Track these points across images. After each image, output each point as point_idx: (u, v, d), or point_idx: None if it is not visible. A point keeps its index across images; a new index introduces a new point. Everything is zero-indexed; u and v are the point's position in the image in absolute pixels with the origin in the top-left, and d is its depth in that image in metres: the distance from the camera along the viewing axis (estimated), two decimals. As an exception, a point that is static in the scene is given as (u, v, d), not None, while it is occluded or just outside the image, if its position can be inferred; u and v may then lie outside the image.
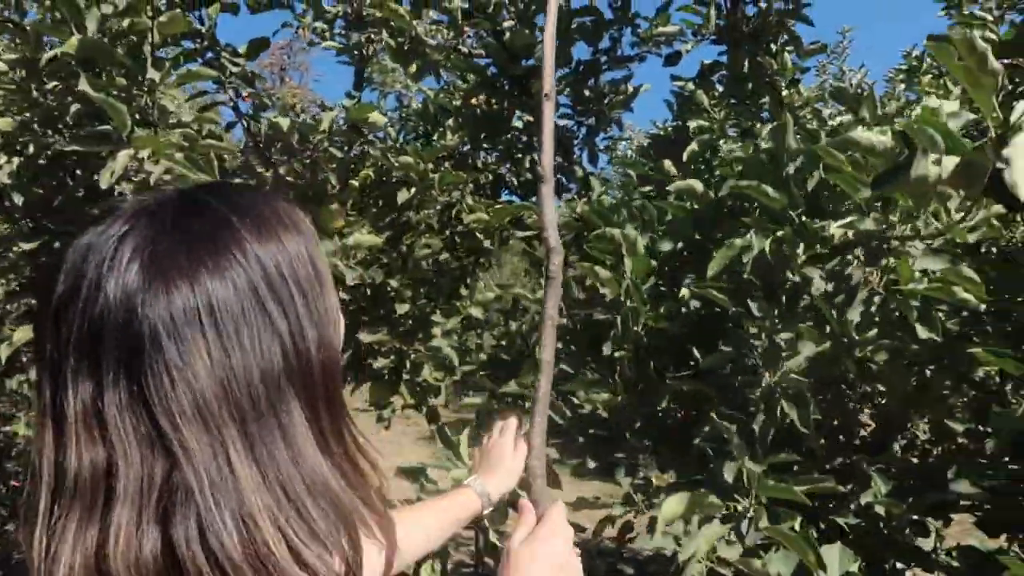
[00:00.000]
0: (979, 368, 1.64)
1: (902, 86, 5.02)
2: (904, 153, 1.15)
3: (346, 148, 2.42)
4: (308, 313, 0.58)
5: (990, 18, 2.62)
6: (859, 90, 5.36)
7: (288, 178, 2.45)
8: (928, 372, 1.70)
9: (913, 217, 1.23)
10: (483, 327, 3.02)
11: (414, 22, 2.79)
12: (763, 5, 2.96)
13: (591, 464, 1.79)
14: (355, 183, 2.74)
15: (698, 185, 1.74)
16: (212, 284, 0.53)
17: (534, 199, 3.42)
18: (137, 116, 1.78)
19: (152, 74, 1.82)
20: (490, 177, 3.43)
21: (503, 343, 3.12)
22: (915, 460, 1.85)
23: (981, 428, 1.61)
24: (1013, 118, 0.92)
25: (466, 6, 3.01)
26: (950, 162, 1.00)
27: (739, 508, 1.38)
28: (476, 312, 2.88)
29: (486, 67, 3.02)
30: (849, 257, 1.37)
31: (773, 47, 3.07)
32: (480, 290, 2.95)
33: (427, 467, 1.60)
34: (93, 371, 0.51)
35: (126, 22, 1.77)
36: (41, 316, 0.56)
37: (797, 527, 1.32)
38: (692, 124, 2.98)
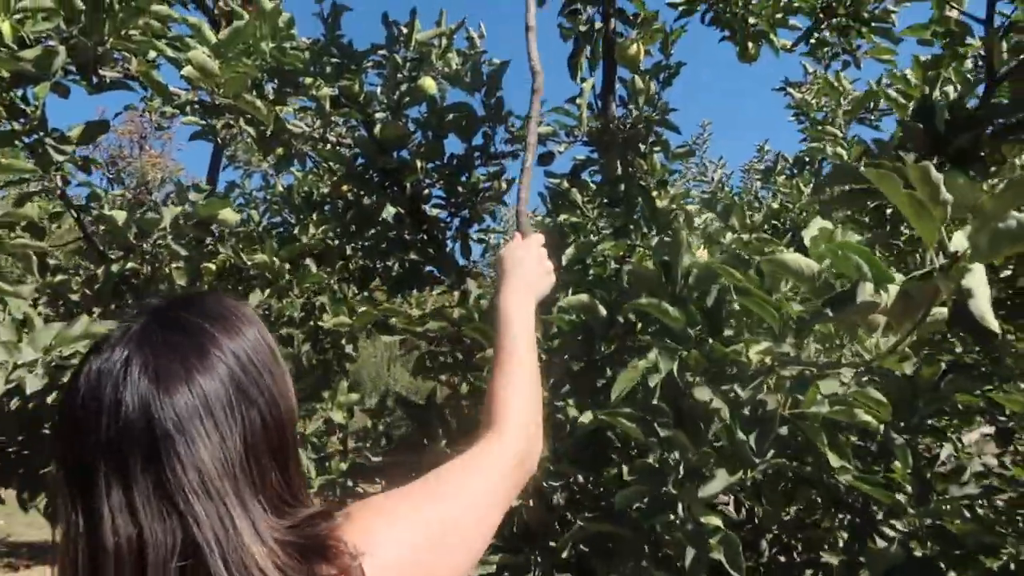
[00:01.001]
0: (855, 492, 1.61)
1: (758, 183, 5.30)
2: (828, 279, 1.11)
3: (194, 245, 2.19)
4: (276, 386, 0.72)
5: (839, 133, 2.78)
6: (720, 185, 5.63)
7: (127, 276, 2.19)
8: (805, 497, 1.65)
9: (836, 345, 1.18)
10: (345, 431, 2.79)
11: (280, 108, 2.64)
12: (632, 110, 3.03)
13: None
14: (212, 266, 2.51)
15: (587, 298, 1.66)
16: (204, 382, 0.67)
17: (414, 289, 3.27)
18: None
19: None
20: (358, 270, 3.27)
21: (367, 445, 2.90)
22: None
23: (858, 559, 1.57)
24: (955, 247, 0.88)
25: (335, 93, 2.89)
26: (893, 290, 0.96)
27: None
28: (338, 416, 2.66)
29: (355, 158, 2.89)
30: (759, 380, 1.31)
31: (642, 147, 3.14)
32: (342, 391, 2.74)
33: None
34: (121, 467, 0.63)
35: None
36: (61, 435, 0.66)
37: None
38: (565, 218, 2.96)
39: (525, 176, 1.53)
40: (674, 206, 3.66)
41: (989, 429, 2.35)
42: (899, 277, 1.06)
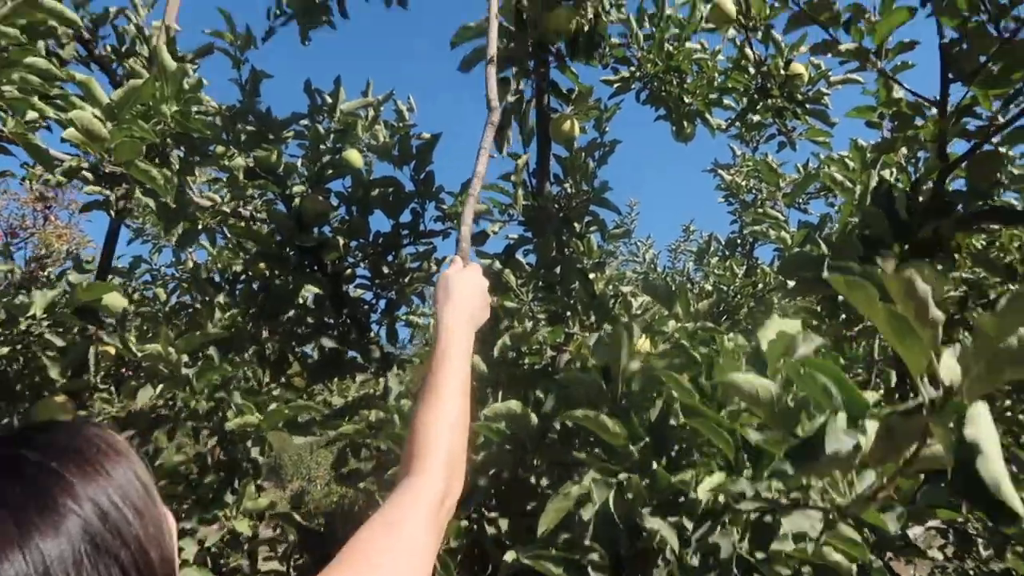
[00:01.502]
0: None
1: (691, 265, 5.28)
2: (788, 403, 0.92)
3: (74, 333, 1.89)
4: (146, 533, 0.60)
5: (782, 217, 2.72)
6: (652, 266, 5.57)
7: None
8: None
9: (802, 485, 0.99)
10: (254, 542, 2.46)
11: (188, 178, 2.40)
12: (568, 188, 2.91)
13: None
14: (111, 349, 2.19)
15: (517, 406, 1.45)
16: (45, 545, 0.53)
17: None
18: None
19: None
20: (273, 355, 2.98)
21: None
22: None
23: None
24: (946, 375, 0.70)
25: (250, 164, 2.67)
26: (871, 427, 0.77)
27: None
28: (242, 526, 2.34)
29: (272, 234, 2.66)
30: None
31: (577, 227, 3.01)
32: (250, 495, 2.42)
33: None
34: None
35: None
36: None
37: None
38: (498, 301, 2.78)
39: (469, 203, 1.49)
40: (610, 289, 3.55)
41: (936, 522, 2.23)
42: (875, 400, 0.88)
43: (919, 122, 1.71)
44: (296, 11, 2.93)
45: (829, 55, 1.56)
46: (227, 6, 2.69)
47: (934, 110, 1.62)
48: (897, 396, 2.00)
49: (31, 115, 1.75)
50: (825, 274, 0.79)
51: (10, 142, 1.82)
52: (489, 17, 1.99)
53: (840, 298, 1.93)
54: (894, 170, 2.37)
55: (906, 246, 1.49)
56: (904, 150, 1.95)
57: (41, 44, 2.06)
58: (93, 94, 1.70)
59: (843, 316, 1.91)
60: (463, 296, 1.13)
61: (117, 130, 1.65)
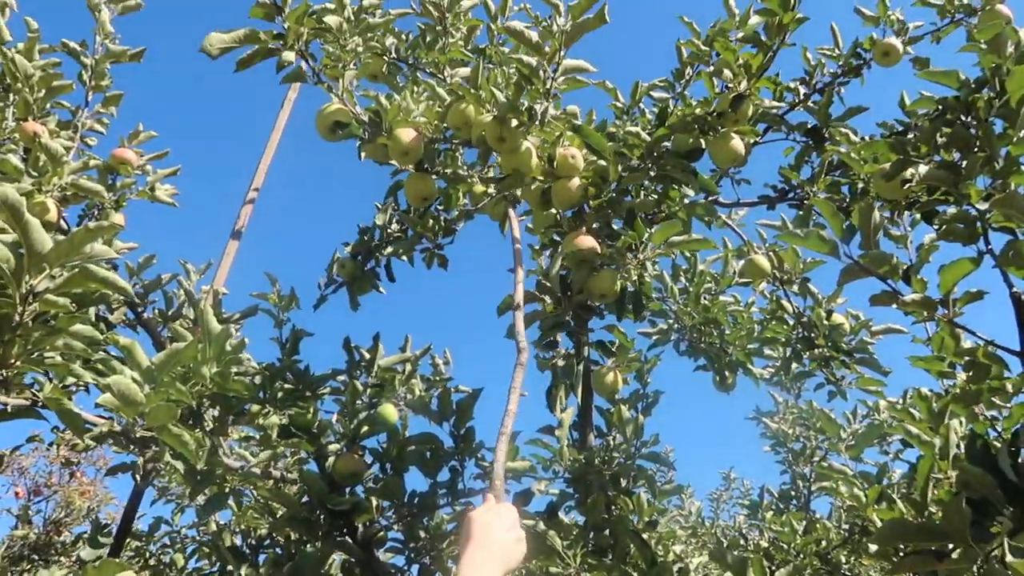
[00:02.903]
0: None
1: (741, 518, 4.92)
2: None
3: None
4: None
5: (849, 472, 2.53)
6: (700, 518, 5.21)
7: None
8: None
9: None
10: None
11: (220, 438, 2.32)
12: (611, 440, 2.78)
13: None
14: None
15: None
16: None
17: None
18: None
19: None
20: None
21: None
22: None
23: None
24: None
25: (284, 422, 2.59)
26: None
27: None
28: None
29: (300, 495, 2.50)
30: None
31: (623, 482, 2.83)
32: None
33: None
34: None
35: None
36: None
37: None
38: (540, 567, 2.53)
39: (502, 440, 1.48)
40: (660, 549, 3.25)
41: None
42: None
43: (1007, 374, 1.61)
44: (346, 280, 3.04)
45: (893, 307, 1.51)
46: (276, 266, 2.79)
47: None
48: None
49: (69, 380, 1.72)
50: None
51: (44, 407, 1.77)
52: (516, 267, 2.21)
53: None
54: (963, 420, 2.23)
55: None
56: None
57: (92, 310, 2.10)
58: (135, 358, 1.67)
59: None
60: (489, 536, 1.10)
61: (154, 393, 1.60)
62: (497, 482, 1.37)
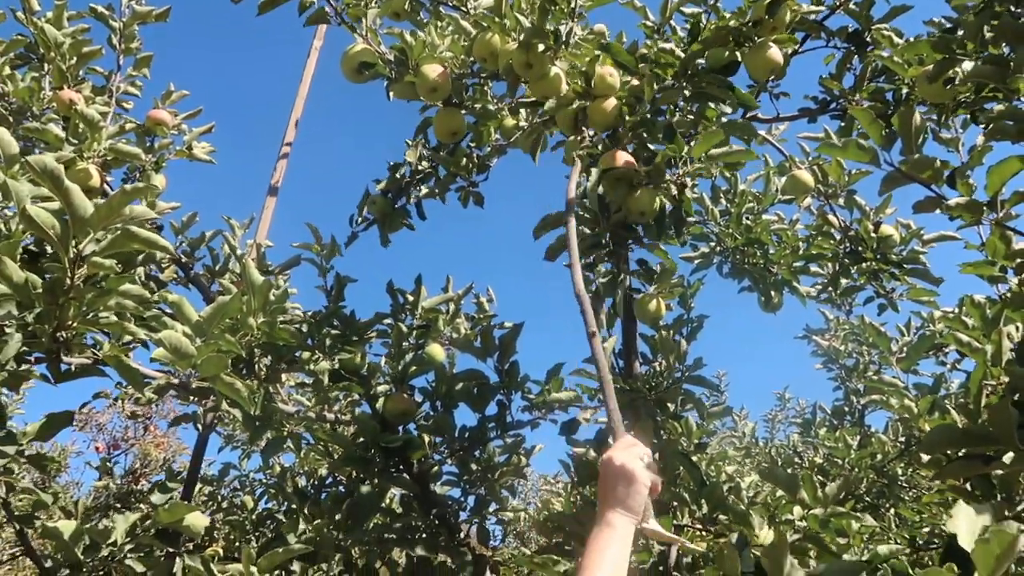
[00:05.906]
0: None
1: (795, 436, 4.92)
2: None
3: (158, 555, 1.81)
4: None
5: (900, 383, 2.50)
6: (753, 439, 5.23)
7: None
8: None
9: None
10: None
11: (275, 385, 2.40)
12: (656, 367, 2.78)
13: None
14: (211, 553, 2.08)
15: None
16: None
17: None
18: None
19: None
20: (361, 565, 2.81)
21: None
22: None
23: None
24: None
25: (335, 367, 2.66)
26: None
27: None
28: None
29: (356, 436, 2.59)
30: None
31: (671, 407, 2.84)
32: None
33: None
34: None
35: None
36: None
37: None
38: (593, 491, 2.58)
39: (607, 386, 1.50)
40: (712, 471, 3.28)
41: None
42: None
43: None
44: (376, 217, 3.06)
45: (937, 212, 1.46)
46: (315, 215, 2.82)
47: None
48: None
49: (126, 337, 1.78)
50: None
51: (105, 364, 1.85)
52: (567, 213, 2.09)
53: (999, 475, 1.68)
54: (1019, 325, 2.16)
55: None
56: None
57: (141, 270, 2.16)
58: (184, 313, 1.73)
59: (1001, 495, 1.65)
60: (626, 483, 1.18)
61: (204, 345, 1.66)
62: (616, 416, 1.43)
